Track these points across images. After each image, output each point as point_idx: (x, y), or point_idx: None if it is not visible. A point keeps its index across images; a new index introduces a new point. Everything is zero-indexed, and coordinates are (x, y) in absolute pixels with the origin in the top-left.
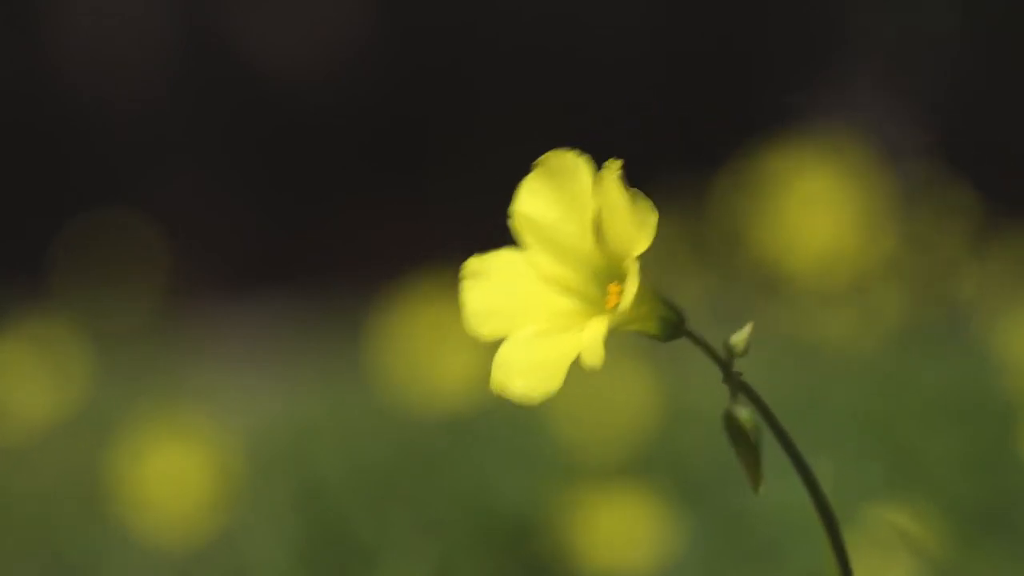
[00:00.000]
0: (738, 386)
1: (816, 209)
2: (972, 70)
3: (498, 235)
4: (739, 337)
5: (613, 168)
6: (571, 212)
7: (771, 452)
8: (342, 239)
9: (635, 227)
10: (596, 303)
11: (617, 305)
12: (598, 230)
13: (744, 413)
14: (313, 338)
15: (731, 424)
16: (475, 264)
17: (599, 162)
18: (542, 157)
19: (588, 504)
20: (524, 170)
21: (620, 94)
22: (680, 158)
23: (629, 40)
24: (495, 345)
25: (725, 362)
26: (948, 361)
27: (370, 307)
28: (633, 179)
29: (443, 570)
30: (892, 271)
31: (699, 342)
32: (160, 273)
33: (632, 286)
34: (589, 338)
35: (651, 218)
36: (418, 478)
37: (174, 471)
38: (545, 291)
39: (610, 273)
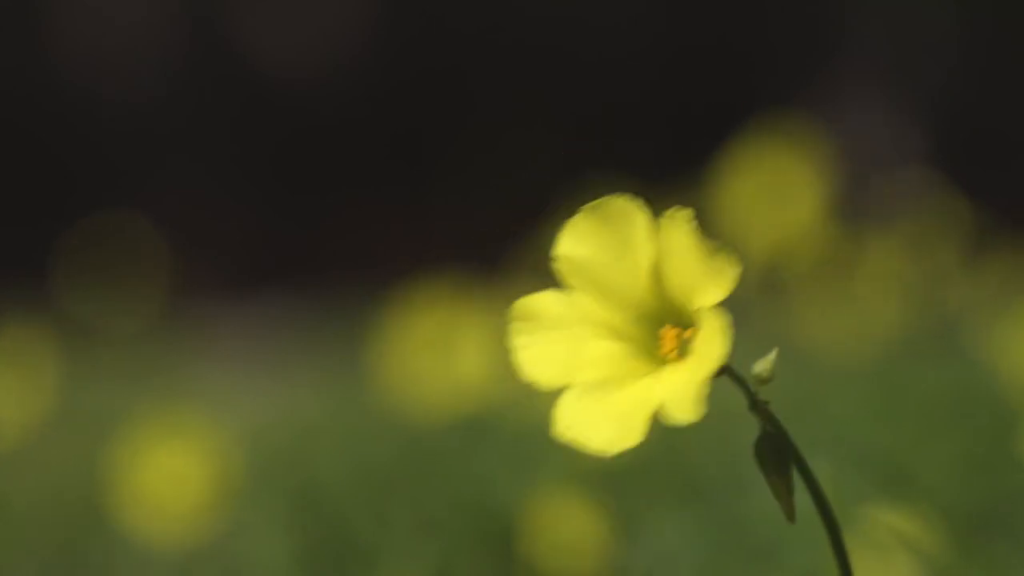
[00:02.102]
0: (765, 414)
1: (807, 209)
2: (970, 73)
3: (498, 235)
4: (764, 365)
5: (684, 216)
6: (622, 256)
7: None
8: (343, 239)
9: (710, 276)
10: (645, 346)
11: (686, 353)
12: (656, 275)
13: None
14: (313, 338)
15: (761, 453)
16: (522, 307)
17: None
18: (592, 202)
19: (587, 505)
20: (524, 171)
21: (619, 94)
22: (677, 157)
23: (628, 41)
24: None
25: (752, 391)
26: (945, 365)
27: (370, 307)
28: (629, 178)
29: (443, 570)
30: (888, 274)
31: (735, 376)
32: (161, 274)
33: (721, 338)
34: (678, 391)
35: (732, 270)
36: (418, 478)
37: (174, 471)
38: (594, 335)
39: (660, 317)
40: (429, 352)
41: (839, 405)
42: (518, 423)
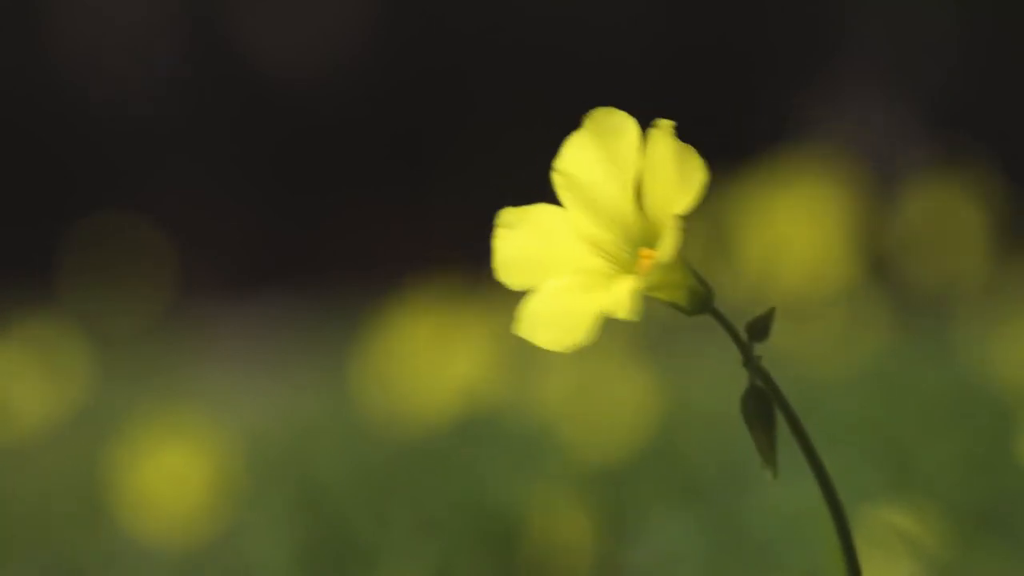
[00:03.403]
0: (757, 370)
1: (807, 218)
2: (970, 73)
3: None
4: (760, 320)
5: (665, 126)
6: (614, 172)
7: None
8: (343, 239)
9: (680, 184)
10: (627, 266)
11: (649, 264)
12: (639, 191)
13: (762, 393)
14: (313, 339)
15: (749, 407)
16: (510, 215)
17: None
18: (589, 114)
19: (587, 504)
20: (524, 171)
21: (619, 95)
22: None
23: (628, 41)
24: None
25: (745, 345)
26: (945, 365)
27: (370, 308)
28: None
29: (443, 570)
30: (884, 276)
31: (723, 321)
32: (162, 274)
33: (671, 240)
34: (619, 292)
35: (699, 175)
36: (418, 478)
37: (174, 471)
38: (578, 248)
39: (645, 239)
40: (429, 352)
41: (840, 405)
42: (518, 423)
